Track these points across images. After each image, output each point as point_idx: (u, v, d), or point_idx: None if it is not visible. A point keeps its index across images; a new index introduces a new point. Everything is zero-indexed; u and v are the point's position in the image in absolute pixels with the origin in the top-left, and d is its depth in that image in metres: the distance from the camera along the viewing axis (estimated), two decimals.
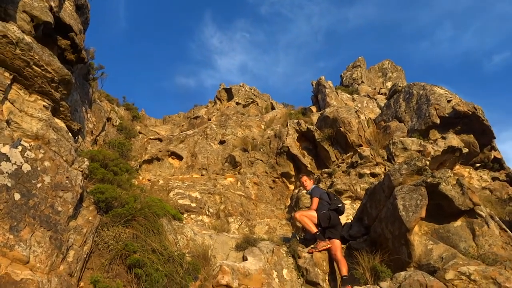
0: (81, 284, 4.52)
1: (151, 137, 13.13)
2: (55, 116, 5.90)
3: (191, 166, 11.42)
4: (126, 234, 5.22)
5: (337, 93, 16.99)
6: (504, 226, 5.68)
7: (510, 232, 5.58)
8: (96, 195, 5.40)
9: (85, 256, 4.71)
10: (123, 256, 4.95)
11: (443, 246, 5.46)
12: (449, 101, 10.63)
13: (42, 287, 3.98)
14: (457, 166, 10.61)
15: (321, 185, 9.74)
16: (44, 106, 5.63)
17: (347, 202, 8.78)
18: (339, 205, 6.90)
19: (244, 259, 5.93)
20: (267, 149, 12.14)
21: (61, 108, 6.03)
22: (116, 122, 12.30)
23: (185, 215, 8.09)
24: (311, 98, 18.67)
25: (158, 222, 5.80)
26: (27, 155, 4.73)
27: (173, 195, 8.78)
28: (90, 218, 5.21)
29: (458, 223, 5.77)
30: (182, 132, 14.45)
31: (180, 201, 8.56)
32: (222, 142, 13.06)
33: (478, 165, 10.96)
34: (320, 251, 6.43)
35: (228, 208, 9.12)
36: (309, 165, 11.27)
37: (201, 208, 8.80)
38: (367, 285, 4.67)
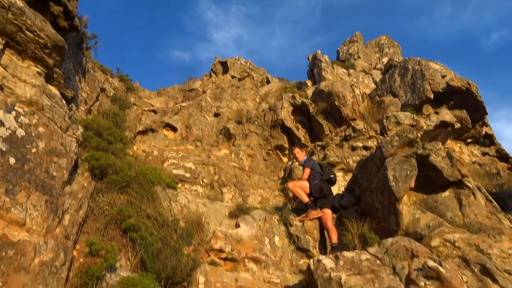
0: (77, 247, 4.63)
1: (146, 109, 13.08)
2: (48, 82, 5.88)
3: (185, 137, 11.45)
4: (121, 200, 5.31)
5: (333, 67, 16.90)
6: (490, 197, 5.83)
7: (495, 203, 5.74)
8: (91, 162, 5.46)
9: (80, 220, 4.81)
10: (118, 221, 5.06)
11: (430, 215, 5.62)
12: (443, 77, 10.65)
13: (39, 248, 4.08)
14: (449, 141, 10.74)
15: (314, 158, 9.84)
16: (37, 72, 5.59)
17: (339, 174, 8.91)
18: (331, 175, 7.03)
19: (237, 226, 6.07)
20: (262, 122, 12.17)
21: (54, 75, 5.99)
22: (110, 93, 12.20)
23: (179, 185, 8.19)
24: (307, 73, 18.58)
25: (153, 189, 5.89)
26: (21, 120, 4.75)
27: (168, 165, 8.86)
28: (85, 184, 5.28)
29: (446, 193, 5.91)
30: (176, 104, 14.40)
31: (175, 171, 8.64)
32: (216, 115, 13.06)
33: (469, 140, 11.10)
34: (311, 219, 6.59)
35: (222, 179, 9.22)
36: (303, 138, 11.35)
37: (195, 178, 8.89)
38: (356, 250, 4.82)
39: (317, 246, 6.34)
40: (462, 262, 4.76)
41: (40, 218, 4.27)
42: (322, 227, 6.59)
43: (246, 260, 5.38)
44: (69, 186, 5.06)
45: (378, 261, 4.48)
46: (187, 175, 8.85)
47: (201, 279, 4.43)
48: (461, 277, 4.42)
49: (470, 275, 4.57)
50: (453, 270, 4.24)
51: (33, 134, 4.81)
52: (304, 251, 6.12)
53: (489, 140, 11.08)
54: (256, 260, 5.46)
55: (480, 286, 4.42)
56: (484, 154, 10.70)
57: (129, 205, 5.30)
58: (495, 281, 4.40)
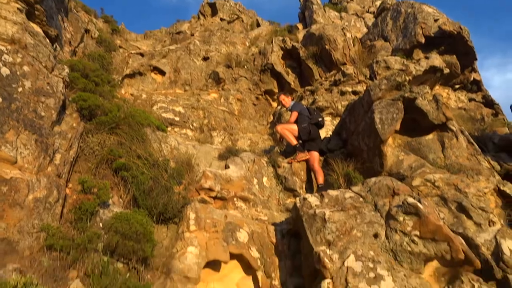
0: (70, 185, 4.73)
1: (133, 52, 12.74)
2: (30, 20, 5.66)
3: (174, 81, 11.30)
4: (111, 140, 5.36)
5: (324, 10, 16.44)
6: (472, 140, 6.01)
7: (476, 146, 5.92)
8: (79, 103, 5.43)
9: (71, 159, 4.87)
10: (109, 161, 5.14)
11: (414, 157, 5.80)
12: (436, 20, 10.47)
13: (32, 186, 4.17)
14: (437, 87, 10.80)
15: (304, 102, 9.87)
16: (18, 8, 5.36)
17: (327, 119, 9.01)
18: (319, 119, 7.12)
19: (226, 167, 6.21)
20: (251, 66, 12.00)
21: (36, 12, 5.76)
22: (94, 34, 11.79)
23: (169, 128, 8.23)
24: (298, 15, 18.08)
25: (142, 131, 5.93)
26: (5, 58, 4.65)
27: (157, 108, 8.82)
28: (74, 124, 5.29)
29: (430, 136, 6.06)
30: (164, 47, 14.03)
31: (164, 115, 8.63)
32: (205, 59, 12.79)
33: (457, 86, 11.16)
34: (299, 161, 6.76)
35: (212, 123, 9.27)
36: (292, 83, 11.29)
37: (184, 122, 8.92)
38: (340, 189, 5.02)
39: (304, 186, 6.56)
40: (441, 200, 5.00)
41: (31, 157, 4.32)
42: (309, 169, 6.78)
43: (235, 199, 5.57)
44: (58, 126, 5.06)
45: (361, 199, 4.69)
46: (177, 118, 8.86)
47: (192, 215, 4.61)
48: (438, 214, 4.67)
49: (447, 212, 4.83)
50: (431, 206, 4.47)
51: (18, 73, 4.73)
52: (291, 191, 6.35)
53: (476, 86, 11.16)
54: (244, 199, 5.66)
55: (455, 221, 4.70)
56: (470, 100, 10.83)
57: (119, 145, 5.36)
58: (469, 217, 4.67)
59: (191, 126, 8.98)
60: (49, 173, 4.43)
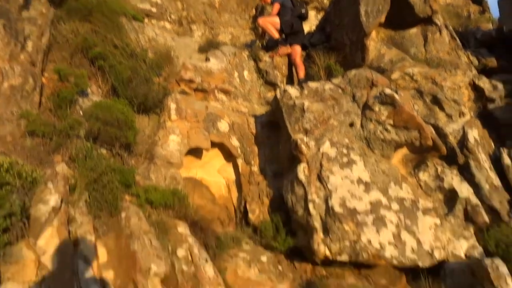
0: (46, 74, 4.61)
1: None
2: None
3: None
4: (85, 29, 5.10)
5: None
6: (455, 35, 5.97)
7: (458, 41, 5.91)
8: None
9: (44, 48, 4.67)
10: (84, 50, 4.96)
11: (395, 51, 5.79)
12: None
13: (6, 73, 4.07)
14: None
15: None
16: None
17: (312, 13, 8.67)
18: (302, 10, 6.87)
19: (207, 60, 6.10)
20: None
21: None
22: None
23: (145, 20, 7.79)
24: None
25: (118, 20, 5.64)
26: None
27: None
28: (44, 10, 4.97)
29: (414, 30, 5.98)
30: None
31: (140, 5, 8.07)
32: None
33: None
34: (280, 55, 6.67)
35: (191, 15, 8.79)
36: None
37: (162, 13, 8.43)
38: (320, 81, 5.06)
39: (285, 81, 6.58)
40: (417, 93, 5.13)
41: (1, 43, 4.14)
42: (291, 64, 6.73)
43: (216, 91, 5.58)
44: (27, 11, 4.75)
45: (340, 90, 4.77)
46: (154, 10, 8.34)
47: (173, 106, 4.64)
48: (413, 106, 4.84)
49: (421, 104, 4.99)
50: (406, 98, 4.61)
51: None
52: (272, 85, 6.37)
53: None
54: (225, 91, 5.68)
55: (428, 113, 4.89)
56: None
57: (94, 34, 5.11)
58: (442, 109, 4.86)
59: (169, 18, 8.52)
60: (22, 61, 4.29)
